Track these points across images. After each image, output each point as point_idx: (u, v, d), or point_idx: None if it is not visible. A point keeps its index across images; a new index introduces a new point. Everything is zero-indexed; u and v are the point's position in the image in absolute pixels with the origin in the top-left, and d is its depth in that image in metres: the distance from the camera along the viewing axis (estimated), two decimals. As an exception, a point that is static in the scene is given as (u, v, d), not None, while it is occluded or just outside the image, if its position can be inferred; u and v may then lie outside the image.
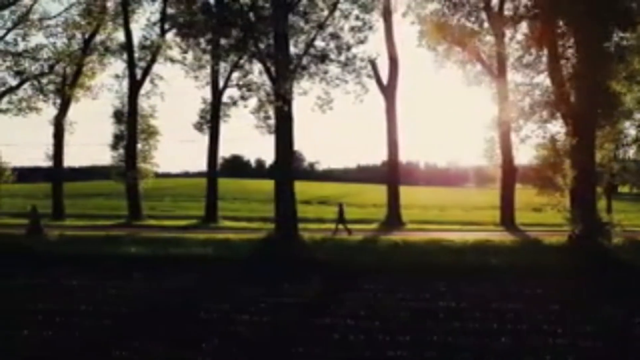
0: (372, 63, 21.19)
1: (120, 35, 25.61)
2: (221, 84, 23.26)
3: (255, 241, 17.04)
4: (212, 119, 23.98)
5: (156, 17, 24.90)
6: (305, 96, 16.73)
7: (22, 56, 27.60)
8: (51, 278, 13.13)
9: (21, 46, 27.51)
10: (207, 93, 24.23)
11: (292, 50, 16.51)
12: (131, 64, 23.97)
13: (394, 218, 23.36)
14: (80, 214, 27.95)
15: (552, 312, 10.16)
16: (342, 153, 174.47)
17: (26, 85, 27.37)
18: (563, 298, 11.23)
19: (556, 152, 14.90)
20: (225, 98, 22.96)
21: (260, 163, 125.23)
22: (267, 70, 16.48)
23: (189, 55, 22.74)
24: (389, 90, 23.25)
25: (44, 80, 27.86)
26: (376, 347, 8.26)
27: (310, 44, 16.36)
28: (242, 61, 16.75)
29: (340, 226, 20.47)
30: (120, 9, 25.49)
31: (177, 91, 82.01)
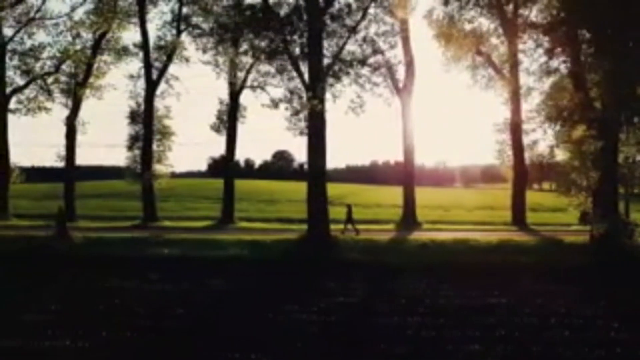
0: (390, 66, 21.63)
1: (130, 35, 25.38)
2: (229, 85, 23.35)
3: (287, 242, 17.22)
4: (229, 120, 24.07)
5: (170, 16, 24.80)
6: (333, 100, 17.00)
7: (27, 55, 27.20)
8: (95, 280, 13.09)
9: (28, 44, 27.24)
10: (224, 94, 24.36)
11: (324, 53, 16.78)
12: (147, 65, 23.81)
13: (409, 218, 23.80)
14: (90, 215, 27.54)
15: (602, 308, 10.70)
16: (330, 153, 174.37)
17: (33, 85, 27.04)
18: (606, 294, 11.81)
19: (580, 155, 15.60)
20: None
21: (248, 163, 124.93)
22: (300, 73, 16.72)
23: (209, 56, 23.05)
24: (404, 93, 23.68)
25: (49, 80, 27.52)
26: (453, 342, 8.61)
27: (342, 48, 16.68)
28: (277, 64, 16.88)
29: (349, 226, 20.73)
30: (132, 8, 25.32)
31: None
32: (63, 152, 25.54)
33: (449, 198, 47.19)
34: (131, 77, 24.37)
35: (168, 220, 25.00)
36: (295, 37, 16.19)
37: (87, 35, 26.71)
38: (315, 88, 16.06)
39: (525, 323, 9.74)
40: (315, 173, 17.32)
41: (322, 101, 16.13)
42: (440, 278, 13.63)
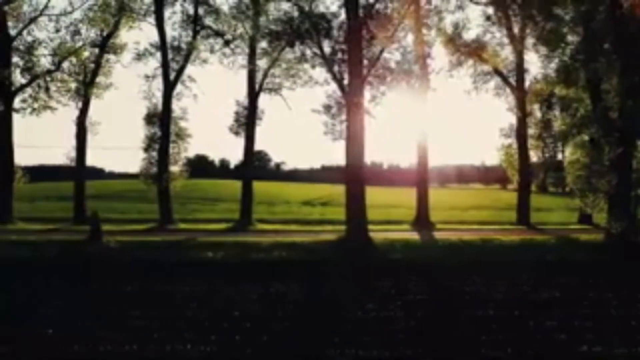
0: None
1: (135, 35, 24.89)
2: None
3: (327, 243, 17.66)
4: (247, 122, 24.21)
5: (180, 17, 24.59)
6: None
7: (28, 53, 26.18)
8: (154, 284, 13.02)
9: (28, 40, 26.21)
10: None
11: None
12: (165, 65, 23.54)
13: (423, 219, 24.73)
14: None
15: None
16: (305, 153, 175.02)
17: (35, 84, 26.07)
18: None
19: (600, 160, 17.03)
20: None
21: (224, 163, 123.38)
22: (338, 80, 17.26)
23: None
24: (419, 96, 24.56)
25: (48, 78, 26.60)
26: (539, 332, 9.41)
27: (380, 54, 17.36)
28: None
29: None
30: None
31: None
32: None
33: (442, 198, 48.57)
34: (146, 77, 24.04)
35: (185, 222, 24.81)
36: (336, 45, 16.72)
37: (89, 33, 26.12)
38: (356, 94, 16.63)
39: (589, 315, 10.64)
40: (354, 176, 17.90)
41: (362, 106, 16.73)
42: (486, 274, 14.44)
